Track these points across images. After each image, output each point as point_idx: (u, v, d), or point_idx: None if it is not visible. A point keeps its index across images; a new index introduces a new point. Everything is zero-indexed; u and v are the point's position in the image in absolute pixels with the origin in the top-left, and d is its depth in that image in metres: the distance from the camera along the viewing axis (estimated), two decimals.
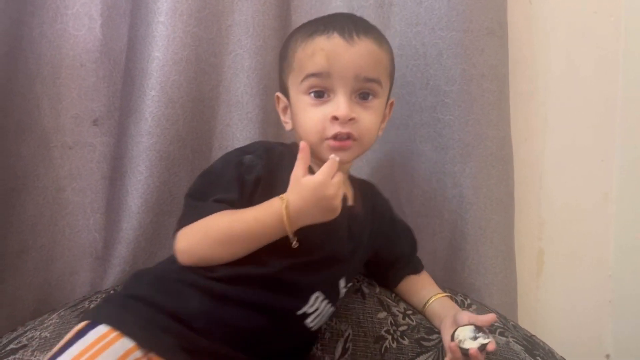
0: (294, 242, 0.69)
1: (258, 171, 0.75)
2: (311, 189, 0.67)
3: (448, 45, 0.95)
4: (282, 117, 0.84)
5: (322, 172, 0.67)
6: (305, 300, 0.72)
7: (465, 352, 0.69)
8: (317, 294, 0.73)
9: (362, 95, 0.78)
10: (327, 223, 0.69)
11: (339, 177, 0.68)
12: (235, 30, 0.96)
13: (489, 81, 0.97)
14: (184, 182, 0.96)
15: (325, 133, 0.76)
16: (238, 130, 0.99)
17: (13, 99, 0.89)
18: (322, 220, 0.69)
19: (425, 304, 0.86)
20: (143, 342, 0.64)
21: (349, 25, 0.77)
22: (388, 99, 0.84)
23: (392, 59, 0.83)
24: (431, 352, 0.84)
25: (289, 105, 0.81)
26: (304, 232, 0.69)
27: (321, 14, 0.98)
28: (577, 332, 1.14)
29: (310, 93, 0.77)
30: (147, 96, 0.91)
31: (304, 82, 0.77)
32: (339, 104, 0.75)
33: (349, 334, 0.84)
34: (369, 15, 0.98)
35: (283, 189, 0.69)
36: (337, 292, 0.77)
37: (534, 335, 0.92)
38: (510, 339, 0.87)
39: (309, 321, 0.73)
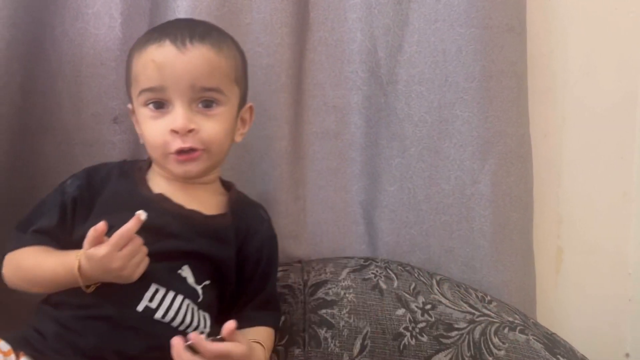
0: (90, 288, 0.69)
1: (73, 192, 0.76)
2: (97, 261, 0.66)
3: (467, 42, 0.95)
4: (137, 130, 0.81)
5: (107, 244, 0.65)
6: (139, 296, 0.70)
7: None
8: (153, 287, 0.70)
9: (205, 103, 0.75)
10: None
11: (131, 248, 0.66)
12: (254, 28, 0.96)
13: (508, 78, 0.97)
14: None
15: (167, 148, 0.74)
16: (256, 128, 0.98)
17: (35, 98, 0.91)
18: (119, 282, 0.68)
19: None
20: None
21: (183, 31, 0.74)
22: (243, 103, 0.82)
23: (237, 64, 0.79)
24: (450, 349, 0.84)
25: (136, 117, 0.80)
26: None
27: (339, 11, 1.00)
28: (596, 330, 1.12)
29: (148, 104, 0.75)
30: None
31: (141, 96, 0.75)
32: (176, 116, 0.72)
33: (367, 331, 0.85)
34: (387, 12, 0.98)
35: (100, 207, 0.74)
36: (186, 283, 0.73)
37: (554, 333, 0.91)
38: (531, 337, 0.86)
39: (159, 316, 0.70)
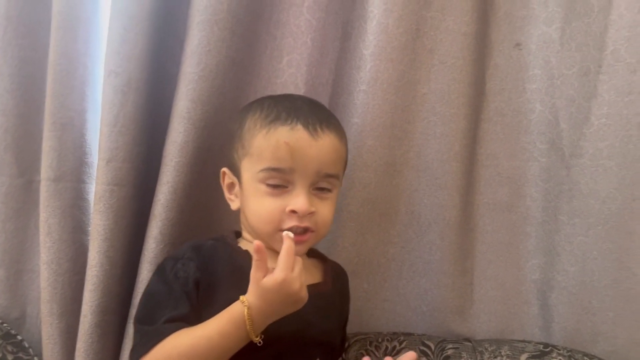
0: (258, 340, 0.67)
1: (194, 274, 0.72)
2: (275, 291, 0.64)
3: None
4: (226, 194, 0.81)
5: (281, 269, 0.64)
6: None
7: None
8: None
9: (320, 188, 0.76)
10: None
11: (299, 266, 0.66)
12: (430, 98, 0.97)
13: None
14: (370, 244, 0.97)
15: (280, 225, 0.73)
16: (426, 196, 0.98)
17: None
18: (289, 312, 0.67)
19: None
20: None
21: (312, 116, 0.75)
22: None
23: (347, 148, 0.81)
24: None
25: (239, 186, 0.78)
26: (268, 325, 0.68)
27: (518, 82, 0.98)
28: None
29: (268, 184, 0.74)
30: None
31: (263, 173, 0.74)
32: (299, 199, 0.73)
33: None
34: (572, 83, 0.94)
35: (223, 283, 0.70)
36: None
37: None
38: None
39: None
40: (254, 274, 0.65)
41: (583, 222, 0.93)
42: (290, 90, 0.98)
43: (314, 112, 0.77)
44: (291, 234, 0.67)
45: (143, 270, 0.85)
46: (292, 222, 0.73)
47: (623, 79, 0.91)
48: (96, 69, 0.93)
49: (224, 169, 0.81)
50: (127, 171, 0.87)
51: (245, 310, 0.65)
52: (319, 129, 0.74)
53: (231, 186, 0.80)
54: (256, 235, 0.77)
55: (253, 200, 0.75)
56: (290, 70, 0.97)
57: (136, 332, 0.73)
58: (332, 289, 0.80)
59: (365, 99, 0.93)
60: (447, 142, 0.97)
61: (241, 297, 0.66)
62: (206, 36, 0.85)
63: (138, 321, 0.73)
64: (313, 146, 0.73)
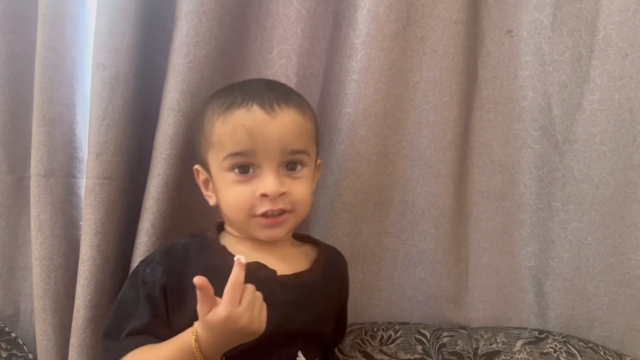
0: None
1: (160, 279, 0.71)
2: (221, 327, 0.61)
3: None
4: (204, 191, 0.79)
5: (224, 305, 0.60)
6: None
7: None
8: None
9: (290, 166, 0.74)
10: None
11: (248, 298, 0.62)
12: (422, 86, 0.96)
13: None
14: (364, 234, 0.97)
15: (254, 210, 0.71)
16: (419, 185, 0.98)
17: None
18: (244, 342, 0.64)
19: None
20: None
21: (268, 94, 0.73)
22: (315, 162, 0.80)
23: (316, 124, 0.79)
24: None
25: (211, 180, 0.77)
26: None
27: (510, 69, 0.97)
28: None
29: (234, 169, 0.72)
30: (336, 150, 0.94)
31: (227, 160, 0.72)
32: (267, 181, 0.71)
33: None
34: (564, 69, 0.94)
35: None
36: None
37: None
38: None
39: None
40: (199, 308, 0.62)
41: (577, 208, 0.93)
42: (282, 81, 0.98)
43: (270, 90, 0.74)
44: (242, 259, 0.62)
45: (135, 264, 0.84)
46: (264, 207, 0.71)
47: (615, 64, 0.90)
48: (84, 62, 0.92)
49: (196, 166, 0.79)
50: (117, 164, 0.86)
51: (193, 342, 0.63)
52: (275, 107, 0.72)
53: (206, 182, 0.79)
54: (233, 224, 0.76)
55: (224, 191, 0.74)
56: (281, 61, 0.96)
57: (102, 346, 0.73)
58: (321, 276, 0.77)
59: (357, 89, 0.92)
60: (440, 131, 0.97)
61: (194, 324, 0.64)
62: (194, 27, 0.84)
63: (104, 335, 0.73)
64: (271, 123, 0.71)
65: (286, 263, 0.75)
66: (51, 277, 0.89)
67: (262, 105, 0.72)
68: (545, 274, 0.96)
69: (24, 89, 0.96)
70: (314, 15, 0.94)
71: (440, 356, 0.85)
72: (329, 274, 0.79)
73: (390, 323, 0.93)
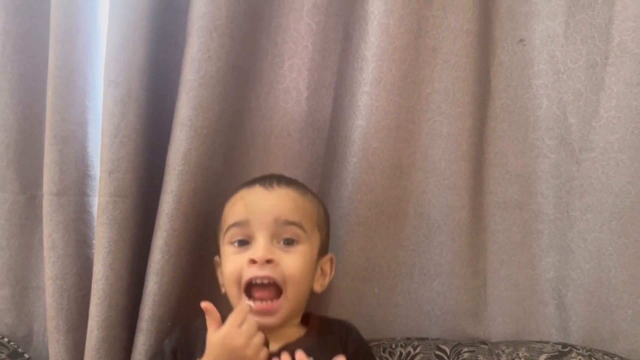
0: None
1: (172, 344, 0.76)
2: (219, 344, 0.66)
3: None
4: (219, 280, 0.81)
5: (227, 323, 0.67)
6: None
7: None
8: None
9: (286, 241, 0.75)
10: None
11: (248, 325, 0.66)
12: (435, 98, 0.95)
13: None
14: (379, 248, 0.95)
15: (242, 278, 0.73)
16: (434, 197, 0.97)
17: (231, 167, 0.97)
18: None
19: None
20: None
21: (272, 178, 0.79)
22: (324, 252, 0.80)
23: (320, 212, 0.80)
24: None
25: (220, 263, 0.80)
26: None
27: (522, 78, 0.97)
28: None
29: (234, 243, 0.76)
30: (348, 163, 0.93)
31: (227, 233, 0.76)
32: (256, 247, 0.73)
33: None
34: (578, 76, 0.93)
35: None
36: None
37: None
38: None
39: None
40: (207, 332, 0.68)
41: (596, 217, 0.91)
42: (293, 95, 0.98)
43: (277, 177, 0.80)
44: (251, 303, 0.69)
45: (149, 282, 0.83)
46: (251, 272, 0.72)
47: (631, 70, 0.89)
48: (96, 80, 0.93)
49: (216, 257, 0.82)
50: (130, 182, 0.85)
51: None
52: (275, 185, 0.77)
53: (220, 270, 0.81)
54: (234, 304, 0.76)
55: (224, 265, 0.77)
56: (292, 75, 0.96)
57: None
58: (314, 342, 0.75)
59: (368, 101, 0.91)
60: (454, 142, 0.96)
61: None
62: (205, 43, 0.84)
63: None
64: (267, 196, 0.76)
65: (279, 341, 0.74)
66: (64, 297, 0.88)
67: (263, 184, 0.78)
68: (566, 285, 0.93)
69: (36, 108, 0.96)
70: (324, 28, 0.94)
71: None
72: (325, 340, 0.76)
73: (408, 339, 0.91)
